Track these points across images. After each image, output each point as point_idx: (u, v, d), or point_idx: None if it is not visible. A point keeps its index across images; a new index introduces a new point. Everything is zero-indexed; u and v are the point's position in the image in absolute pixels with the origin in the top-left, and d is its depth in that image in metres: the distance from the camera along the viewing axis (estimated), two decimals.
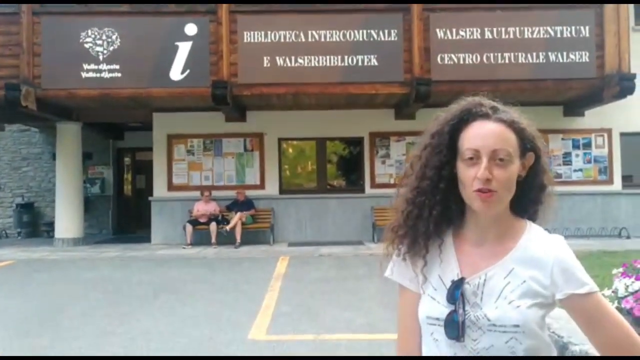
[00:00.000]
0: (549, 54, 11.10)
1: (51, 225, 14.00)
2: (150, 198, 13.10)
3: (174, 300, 7.12)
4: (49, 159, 15.32)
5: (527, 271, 1.25)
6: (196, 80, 10.94)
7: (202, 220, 12.18)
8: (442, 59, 11.02)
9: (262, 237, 12.56)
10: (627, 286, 3.21)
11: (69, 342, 5.36)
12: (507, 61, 11.07)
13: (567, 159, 13.03)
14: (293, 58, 11.01)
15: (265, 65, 11.05)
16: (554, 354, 1.28)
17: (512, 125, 1.27)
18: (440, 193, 1.31)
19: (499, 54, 11.05)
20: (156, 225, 12.92)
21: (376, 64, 10.99)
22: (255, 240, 12.43)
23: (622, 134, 13.03)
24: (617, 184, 13.03)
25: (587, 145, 13.06)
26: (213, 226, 12.00)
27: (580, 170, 13.05)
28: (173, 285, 8.10)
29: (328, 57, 11.01)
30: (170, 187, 12.98)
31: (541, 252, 1.26)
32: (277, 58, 11.06)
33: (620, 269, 3.51)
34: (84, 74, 10.99)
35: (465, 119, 1.29)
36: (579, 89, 11.44)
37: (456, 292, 1.26)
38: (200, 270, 9.38)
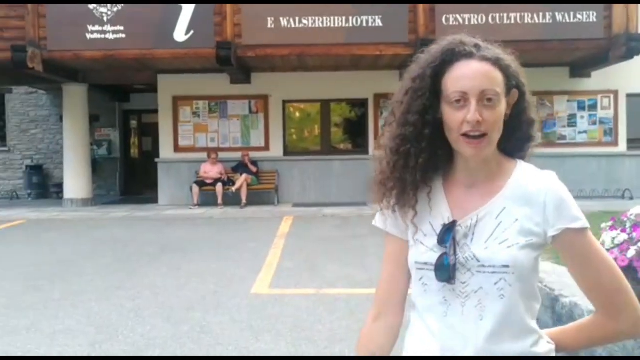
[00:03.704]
0: (556, 14, 10.97)
1: (60, 186, 14.21)
2: (157, 160, 13.25)
3: (180, 258, 7.32)
4: (57, 121, 15.44)
5: (519, 209, 1.21)
6: (200, 41, 10.93)
7: (208, 181, 12.33)
8: (447, 19, 10.93)
9: (267, 198, 12.72)
10: (614, 238, 3.31)
11: (79, 296, 5.57)
12: (513, 21, 10.96)
13: (572, 121, 13.00)
14: (297, 19, 10.96)
15: (269, 26, 11.01)
16: (538, 304, 1.26)
17: (497, 63, 1.21)
18: (425, 140, 1.25)
19: (505, 14, 10.93)
20: (163, 187, 13.10)
21: (381, 24, 10.92)
22: (260, 201, 12.59)
23: (629, 95, 12.96)
24: (622, 146, 13.03)
25: (593, 106, 13.01)
26: (219, 187, 12.16)
27: (585, 132, 13.03)
28: (180, 243, 8.29)
29: (332, 17, 10.95)
30: (177, 148, 13.11)
31: (533, 188, 1.22)
32: (282, 19, 11.01)
33: (609, 223, 3.61)
34: (88, 35, 11.01)
35: (448, 59, 1.22)
36: (586, 50, 11.35)
37: (447, 235, 1.23)
38: (207, 229, 9.57)
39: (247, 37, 11.03)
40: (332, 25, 11.01)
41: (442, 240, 1.23)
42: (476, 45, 1.23)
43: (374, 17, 10.92)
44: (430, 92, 1.24)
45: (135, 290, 5.76)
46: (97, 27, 11.01)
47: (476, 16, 10.90)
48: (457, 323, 1.22)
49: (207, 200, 12.42)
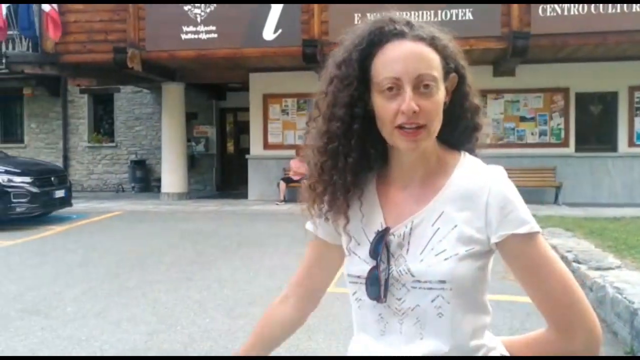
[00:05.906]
0: None
1: (160, 180, 14.95)
2: (247, 156, 13.60)
3: (255, 252, 7.43)
4: (159, 119, 16.20)
5: (459, 213, 1.06)
6: (288, 39, 11.06)
7: (295, 178, 12.46)
8: (544, 10, 10.29)
9: None
10: None
11: (151, 285, 5.79)
12: (619, 10, 10.12)
13: None
14: (384, 14, 10.74)
15: (356, 22, 10.79)
16: (488, 316, 1.11)
17: (433, 42, 1.07)
18: (354, 136, 1.09)
19: (610, 3, 10.11)
20: (253, 182, 13.43)
21: (471, 17, 10.50)
22: None
23: None
24: None
25: None
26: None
27: None
28: (258, 238, 8.43)
29: (421, 12, 10.64)
30: (266, 145, 13.38)
31: (474, 187, 1.06)
32: (369, 15, 10.75)
33: None
34: (183, 36, 11.48)
35: (377, 40, 1.08)
36: None
37: (379, 245, 1.08)
38: (287, 225, 9.61)
39: (333, 34, 10.98)
40: (421, 20, 10.67)
41: (374, 251, 1.09)
42: (408, 24, 1.10)
43: (464, 10, 10.52)
44: (357, 80, 1.09)
45: (204, 282, 5.90)
46: (190, 28, 11.45)
47: (576, 5, 10.17)
48: (396, 342, 1.08)
49: (294, 196, 12.53)
